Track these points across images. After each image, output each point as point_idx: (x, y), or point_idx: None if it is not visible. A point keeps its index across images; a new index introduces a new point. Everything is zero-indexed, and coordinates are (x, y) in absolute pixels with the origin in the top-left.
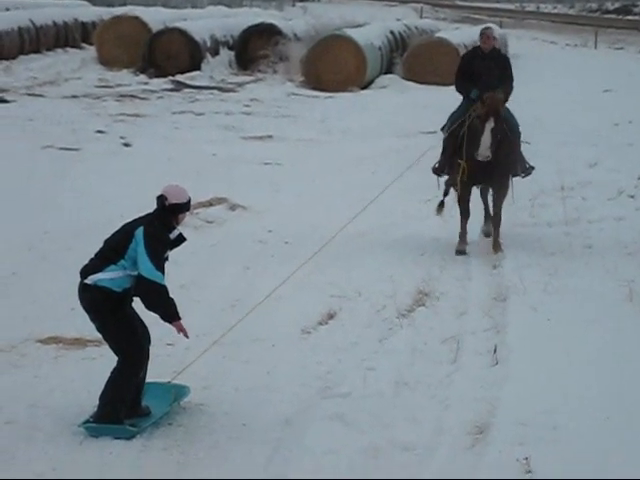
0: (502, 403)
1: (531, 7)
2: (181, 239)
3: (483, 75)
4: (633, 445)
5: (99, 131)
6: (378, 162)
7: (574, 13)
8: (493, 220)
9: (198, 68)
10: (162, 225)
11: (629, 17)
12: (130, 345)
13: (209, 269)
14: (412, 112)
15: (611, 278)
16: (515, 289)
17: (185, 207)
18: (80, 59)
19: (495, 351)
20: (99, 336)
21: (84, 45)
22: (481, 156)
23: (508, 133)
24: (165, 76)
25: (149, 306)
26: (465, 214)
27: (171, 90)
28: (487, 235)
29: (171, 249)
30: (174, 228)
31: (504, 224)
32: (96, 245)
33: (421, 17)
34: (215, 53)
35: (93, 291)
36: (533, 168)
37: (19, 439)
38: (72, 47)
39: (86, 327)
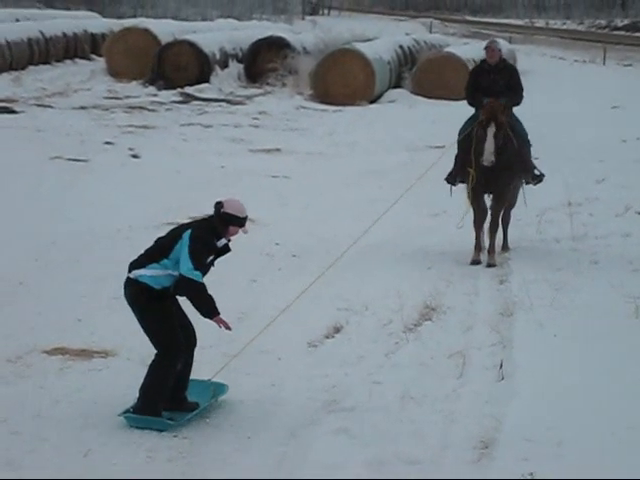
0: (508, 418)
1: (540, 23)
2: (226, 249)
3: (492, 87)
4: (638, 462)
5: (107, 142)
6: (386, 176)
7: (583, 29)
8: (490, 226)
9: (207, 80)
10: (212, 231)
11: (638, 34)
12: (166, 338)
13: (215, 281)
14: (420, 127)
15: (617, 294)
16: (522, 304)
17: (237, 221)
18: (89, 70)
19: (501, 366)
20: (105, 347)
21: (93, 56)
22: (486, 161)
23: (513, 140)
24: (174, 88)
25: (190, 301)
26: (478, 223)
27: (180, 102)
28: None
29: (216, 257)
30: (223, 237)
31: (511, 239)
32: (104, 256)
33: (430, 32)
34: (224, 66)
35: (133, 285)
36: (544, 175)
37: (24, 450)
38: (81, 58)
39: (92, 338)
